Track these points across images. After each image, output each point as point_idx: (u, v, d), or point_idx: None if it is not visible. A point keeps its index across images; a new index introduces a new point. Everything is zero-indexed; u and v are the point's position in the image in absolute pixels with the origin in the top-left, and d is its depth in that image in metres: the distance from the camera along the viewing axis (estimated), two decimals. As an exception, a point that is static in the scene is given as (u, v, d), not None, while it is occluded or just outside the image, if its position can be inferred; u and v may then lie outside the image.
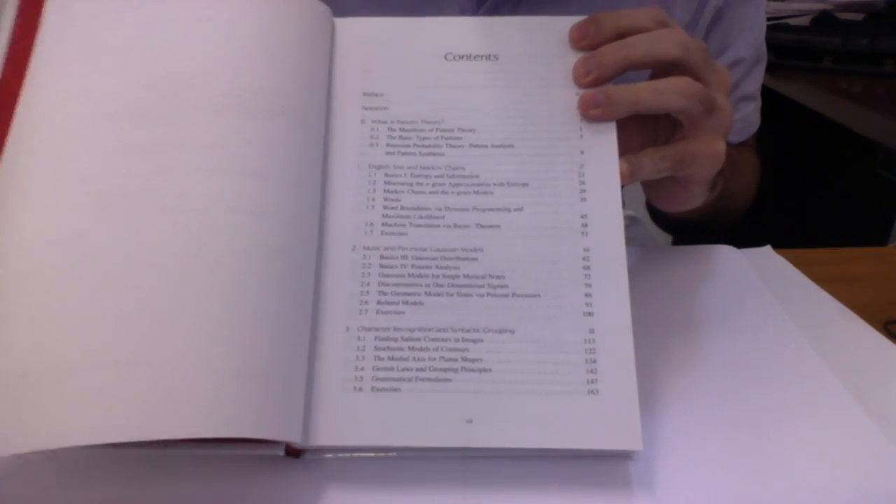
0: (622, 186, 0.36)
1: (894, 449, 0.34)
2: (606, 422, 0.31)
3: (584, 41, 0.36)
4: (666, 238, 1.44)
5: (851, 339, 0.43)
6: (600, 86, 0.36)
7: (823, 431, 0.35)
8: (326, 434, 0.31)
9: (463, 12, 0.54)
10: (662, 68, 0.37)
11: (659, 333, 0.42)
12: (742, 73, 0.62)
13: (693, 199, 0.43)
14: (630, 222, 1.21)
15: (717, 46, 0.61)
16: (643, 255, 0.53)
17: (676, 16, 0.57)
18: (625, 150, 0.37)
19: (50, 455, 0.32)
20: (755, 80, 0.64)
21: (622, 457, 0.33)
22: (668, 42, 0.35)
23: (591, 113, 0.35)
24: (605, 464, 0.32)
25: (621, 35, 0.36)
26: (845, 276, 0.53)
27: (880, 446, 0.34)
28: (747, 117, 0.65)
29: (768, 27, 0.64)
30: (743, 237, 0.55)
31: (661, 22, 0.37)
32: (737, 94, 0.64)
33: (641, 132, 0.40)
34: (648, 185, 0.45)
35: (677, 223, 0.63)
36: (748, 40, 0.61)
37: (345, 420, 0.31)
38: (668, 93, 0.35)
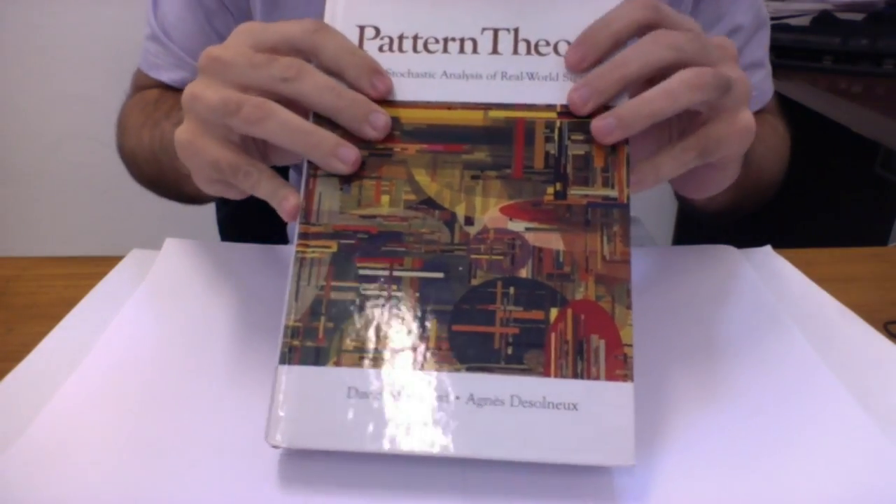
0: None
1: (894, 449, 0.34)
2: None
3: (583, 64, 0.35)
4: (666, 238, 1.44)
5: (852, 340, 0.43)
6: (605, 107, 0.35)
7: (823, 431, 0.35)
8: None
9: None
10: (662, 74, 0.35)
11: (658, 333, 0.42)
12: (743, 40, 0.61)
13: (727, 178, 0.40)
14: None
15: (712, 16, 0.60)
16: (643, 255, 0.53)
17: None
18: (640, 155, 0.35)
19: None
20: (760, 46, 0.62)
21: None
22: (658, 48, 0.34)
23: (608, 140, 0.34)
24: (612, 477, 0.33)
25: (618, 42, 0.35)
26: (845, 276, 0.53)
27: (881, 446, 0.34)
28: (758, 85, 0.62)
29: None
30: (743, 237, 0.55)
31: (653, 6, 0.35)
32: (742, 64, 0.61)
33: (656, 132, 0.38)
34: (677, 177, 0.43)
35: (709, 211, 0.60)
36: (745, 6, 0.60)
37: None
38: (682, 91, 0.33)
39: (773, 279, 0.49)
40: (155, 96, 0.60)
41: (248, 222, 0.86)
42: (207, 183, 0.38)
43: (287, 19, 0.57)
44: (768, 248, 0.54)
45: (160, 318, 0.43)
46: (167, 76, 0.62)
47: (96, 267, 0.49)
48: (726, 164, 0.39)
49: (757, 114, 0.63)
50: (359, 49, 0.36)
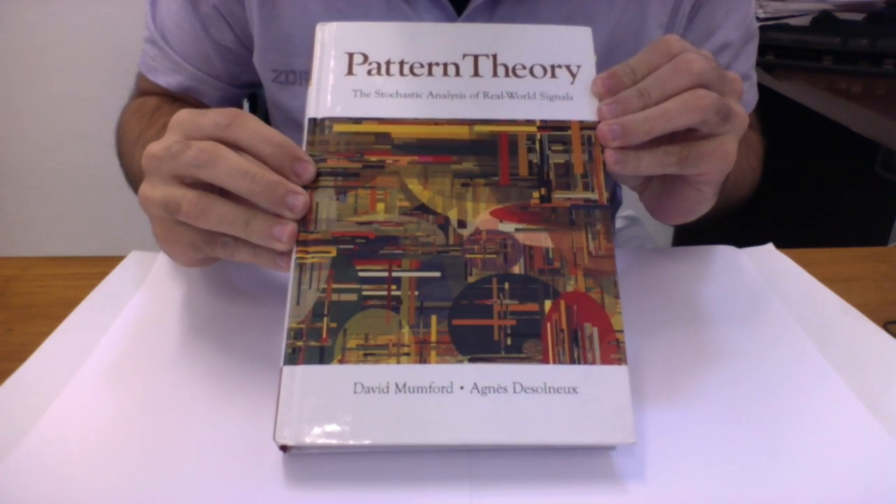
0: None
1: None
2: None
3: (609, 94, 0.38)
4: (666, 238, 1.44)
5: (854, 337, 0.43)
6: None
7: (826, 429, 0.35)
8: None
9: (447, 19, 0.54)
10: None
11: (661, 333, 0.42)
12: (732, 54, 0.62)
13: (702, 203, 0.42)
14: (630, 222, 1.21)
15: (704, 31, 0.60)
16: (644, 255, 0.53)
17: (654, 5, 0.57)
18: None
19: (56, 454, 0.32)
20: (747, 60, 0.64)
21: (624, 448, 0.33)
22: (688, 112, 0.36)
23: (611, 144, 0.37)
24: (612, 457, 0.33)
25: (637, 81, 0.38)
26: (846, 275, 0.53)
27: (883, 443, 0.34)
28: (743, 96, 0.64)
29: (768, 27, 0.64)
30: (743, 237, 0.55)
31: (674, 53, 0.38)
32: None
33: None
34: (654, 195, 0.44)
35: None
36: (736, 21, 0.61)
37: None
38: (681, 113, 0.36)
39: (774, 277, 0.49)
40: (153, 107, 0.61)
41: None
42: (190, 263, 0.40)
43: (285, 30, 0.58)
44: (770, 247, 0.54)
45: (160, 320, 0.43)
46: (164, 80, 0.62)
47: (96, 267, 0.49)
48: (704, 185, 0.40)
49: None
50: (276, 136, 0.35)
